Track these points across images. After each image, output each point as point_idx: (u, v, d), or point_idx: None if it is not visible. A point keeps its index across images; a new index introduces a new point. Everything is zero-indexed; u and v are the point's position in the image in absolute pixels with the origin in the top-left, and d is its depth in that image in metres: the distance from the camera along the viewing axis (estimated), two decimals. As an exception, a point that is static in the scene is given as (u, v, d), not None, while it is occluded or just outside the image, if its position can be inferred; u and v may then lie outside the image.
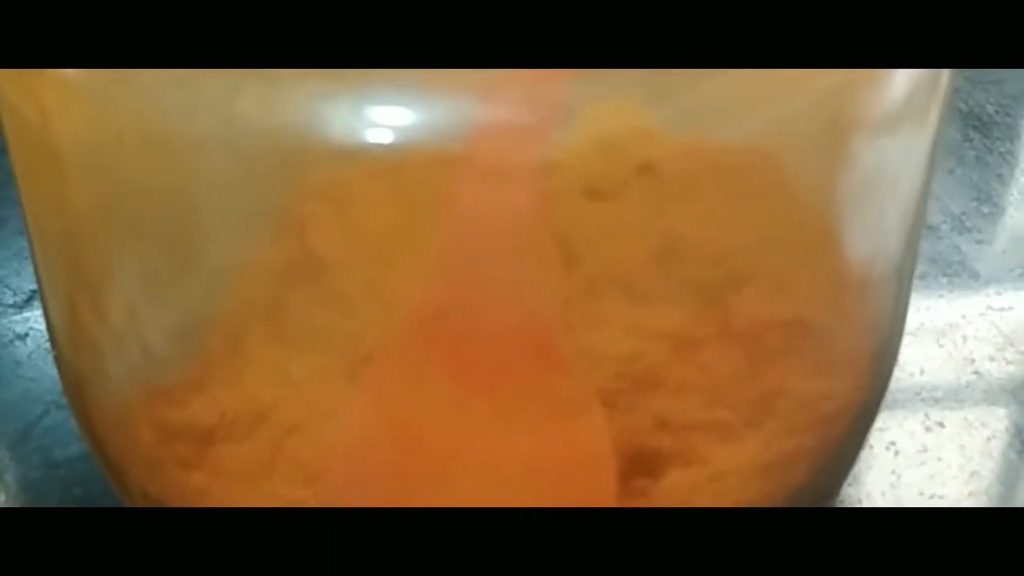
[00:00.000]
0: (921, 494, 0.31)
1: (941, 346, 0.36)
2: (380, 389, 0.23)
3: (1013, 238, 0.40)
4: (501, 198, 0.21)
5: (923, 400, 0.34)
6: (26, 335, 0.35)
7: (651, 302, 0.23)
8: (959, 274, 0.38)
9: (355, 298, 0.22)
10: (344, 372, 0.23)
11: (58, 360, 0.27)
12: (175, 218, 0.22)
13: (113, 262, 0.23)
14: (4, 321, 0.35)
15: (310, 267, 0.22)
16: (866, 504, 0.31)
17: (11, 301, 0.36)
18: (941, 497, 0.31)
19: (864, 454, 0.31)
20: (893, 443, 0.33)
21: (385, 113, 0.21)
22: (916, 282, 0.37)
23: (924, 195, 0.26)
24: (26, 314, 0.36)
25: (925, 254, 0.38)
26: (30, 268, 0.30)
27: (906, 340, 0.30)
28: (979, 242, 0.39)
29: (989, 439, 0.33)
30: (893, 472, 0.32)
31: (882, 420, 0.32)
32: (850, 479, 0.31)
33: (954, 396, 0.34)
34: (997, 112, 0.45)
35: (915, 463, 0.32)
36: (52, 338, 0.27)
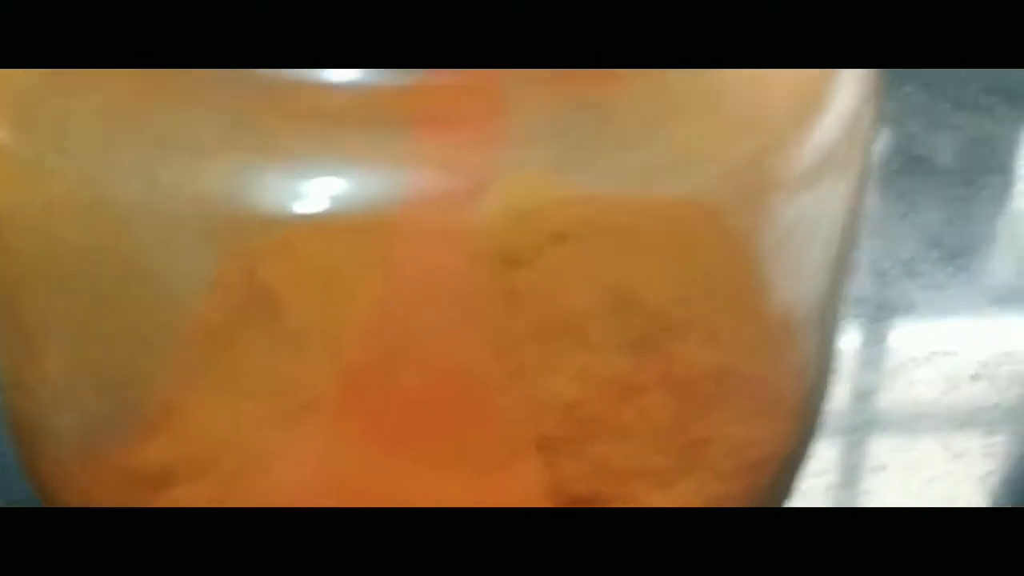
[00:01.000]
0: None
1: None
2: (315, 438, 0.23)
3: (963, 283, 0.40)
4: (430, 260, 0.22)
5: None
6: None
7: (598, 350, 0.24)
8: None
9: (292, 347, 0.22)
10: (280, 420, 0.23)
11: (4, 405, 0.28)
12: (107, 280, 0.22)
13: (49, 321, 0.24)
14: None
15: (246, 320, 0.23)
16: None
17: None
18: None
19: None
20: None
21: (311, 185, 0.21)
22: (864, 324, 0.38)
23: (847, 245, 0.26)
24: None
25: (874, 299, 0.39)
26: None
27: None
28: (928, 287, 0.40)
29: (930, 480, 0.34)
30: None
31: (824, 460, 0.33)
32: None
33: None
34: (954, 158, 0.46)
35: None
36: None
